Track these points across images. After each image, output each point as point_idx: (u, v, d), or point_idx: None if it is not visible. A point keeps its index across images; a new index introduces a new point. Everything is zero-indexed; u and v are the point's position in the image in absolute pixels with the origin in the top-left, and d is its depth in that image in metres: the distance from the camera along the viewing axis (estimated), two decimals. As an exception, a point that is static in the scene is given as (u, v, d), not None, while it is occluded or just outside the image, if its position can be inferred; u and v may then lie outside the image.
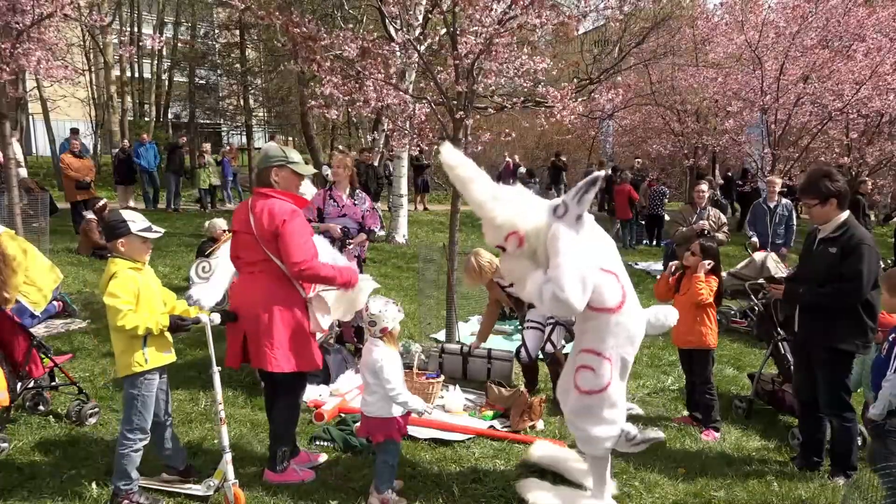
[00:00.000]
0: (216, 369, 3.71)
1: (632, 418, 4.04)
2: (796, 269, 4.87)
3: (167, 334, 3.68)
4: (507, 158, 22.04)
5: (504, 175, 19.37)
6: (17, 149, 17.50)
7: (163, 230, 3.80)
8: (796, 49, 12.90)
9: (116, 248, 3.58)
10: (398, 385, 3.71)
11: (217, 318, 3.76)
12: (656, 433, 3.90)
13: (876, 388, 3.76)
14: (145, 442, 3.65)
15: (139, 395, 3.60)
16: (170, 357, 3.72)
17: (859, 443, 4.50)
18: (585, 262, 3.46)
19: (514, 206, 3.59)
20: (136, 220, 3.62)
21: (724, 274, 9.34)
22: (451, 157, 3.66)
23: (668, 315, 4.00)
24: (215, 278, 5.32)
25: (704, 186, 8.40)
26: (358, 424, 4.65)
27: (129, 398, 3.61)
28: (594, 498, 3.87)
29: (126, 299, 3.48)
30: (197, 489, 3.74)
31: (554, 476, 4.18)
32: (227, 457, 3.65)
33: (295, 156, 3.98)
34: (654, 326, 3.92)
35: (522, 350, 5.54)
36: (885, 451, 3.61)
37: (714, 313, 5.11)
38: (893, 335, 3.70)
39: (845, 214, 4.22)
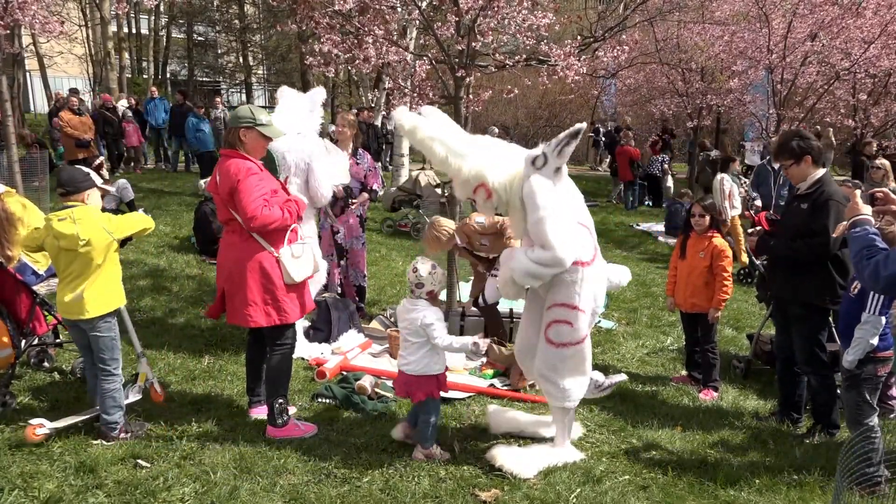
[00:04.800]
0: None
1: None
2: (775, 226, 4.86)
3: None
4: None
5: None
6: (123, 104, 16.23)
7: (112, 188, 4.15)
8: (805, 6, 12.64)
9: (82, 200, 3.89)
10: (446, 336, 3.82)
11: None
12: (620, 376, 4.13)
13: (846, 337, 3.76)
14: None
15: (115, 334, 3.94)
16: None
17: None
18: (565, 215, 3.51)
19: (481, 159, 3.61)
20: (97, 177, 4.05)
21: (393, 189, 10.14)
22: (405, 119, 3.65)
23: (622, 277, 4.14)
24: None
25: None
26: (372, 381, 4.71)
27: (108, 340, 3.91)
28: (557, 446, 3.98)
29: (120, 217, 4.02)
30: (131, 398, 4.17)
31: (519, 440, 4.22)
32: (144, 360, 4.29)
33: (264, 118, 4.02)
34: (612, 283, 4.04)
35: (480, 297, 5.61)
36: (860, 399, 3.64)
37: (729, 277, 5.08)
38: None
39: (821, 172, 4.30)
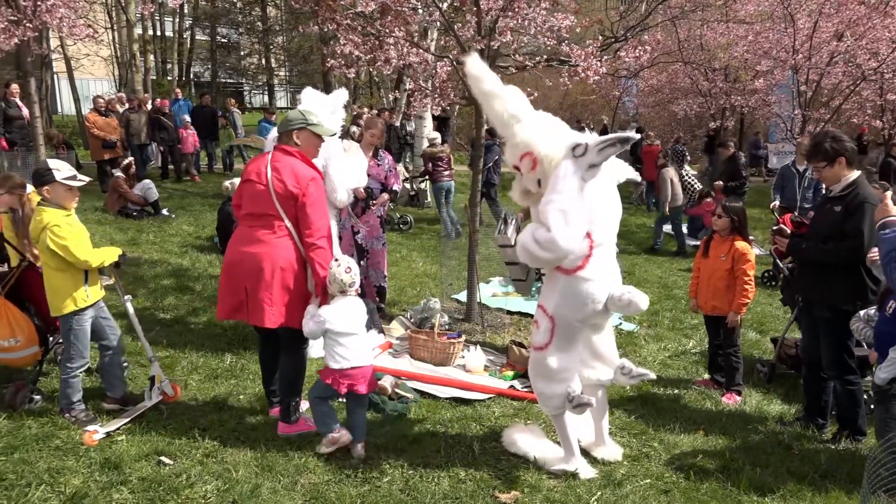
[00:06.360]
0: (128, 298, 4.41)
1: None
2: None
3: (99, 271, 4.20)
4: None
5: None
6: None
7: (87, 179, 4.10)
8: (830, 6, 12.47)
9: (42, 195, 3.92)
10: None
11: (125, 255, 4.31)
12: (588, 398, 3.68)
13: (880, 350, 3.70)
14: (84, 368, 4.18)
15: (76, 329, 4.05)
16: (102, 291, 4.27)
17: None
18: (579, 208, 3.37)
19: (536, 129, 3.58)
20: (61, 169, 3.97)
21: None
22: (477, 68, 3.59)
23: (633, 300, 3.49)
24: None
25: None
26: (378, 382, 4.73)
27: (67, 335, 4.07)
28: (562, 462, 3.82)
29: (80, 238, 3.93)
30: (148, 403, 4.31)
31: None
32: (156, 363, 4.42)
33: (314, 118, 4.01)
34: (616, 305, 3.55)
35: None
36: (887, 415, 3.59)
37: (750, 280, 4.97)
38: None
39: (855, 174, 4.21)
